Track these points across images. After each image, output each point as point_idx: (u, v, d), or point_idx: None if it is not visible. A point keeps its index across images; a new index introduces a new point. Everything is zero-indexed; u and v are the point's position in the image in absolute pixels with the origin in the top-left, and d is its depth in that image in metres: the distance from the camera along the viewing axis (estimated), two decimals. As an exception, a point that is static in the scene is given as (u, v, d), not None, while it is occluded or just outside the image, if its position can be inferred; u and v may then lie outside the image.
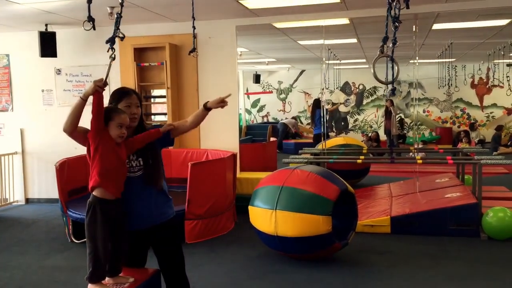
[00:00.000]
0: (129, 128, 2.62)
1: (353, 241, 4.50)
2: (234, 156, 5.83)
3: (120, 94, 2.67)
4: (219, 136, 6.64)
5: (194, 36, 3.03)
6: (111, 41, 2.50)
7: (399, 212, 5.34)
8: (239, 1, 5.55)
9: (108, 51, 2.53)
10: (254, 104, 16.85)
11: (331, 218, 4.13)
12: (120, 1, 2.43)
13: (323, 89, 7.94)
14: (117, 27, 2.45)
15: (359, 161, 6.12)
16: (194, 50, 3.17)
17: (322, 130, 10.15)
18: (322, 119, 10.26)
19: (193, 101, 6.67)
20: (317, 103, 10.49)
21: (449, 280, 3.89)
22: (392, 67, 2.14)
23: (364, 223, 5.23)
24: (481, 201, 5.10)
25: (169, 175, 6.30)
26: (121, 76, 6.84)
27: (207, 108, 2.78)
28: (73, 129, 2.52)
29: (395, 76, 2.12)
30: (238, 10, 6.00)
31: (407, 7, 1.99)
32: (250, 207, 4.57)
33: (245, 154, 7.09)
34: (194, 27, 2.94)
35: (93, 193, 2.56)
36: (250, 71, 15.48)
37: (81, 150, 6.28)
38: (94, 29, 2.66)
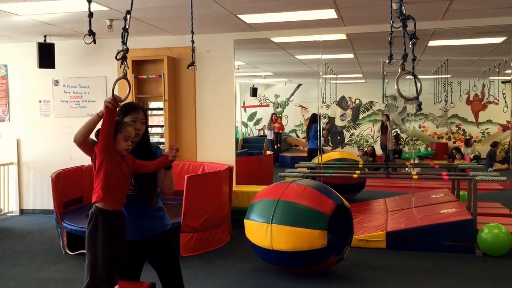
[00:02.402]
0: (131, 143, 2.64)
1: (348, 256, 4.50)
2: (230, 169, 5.84)
3: (127, 108, 2.70)
4: (216, 149, 6.65)
5: (193, 50, 3.06)
6: (122, 58, 2.51)
7: (394, 228, 5.35)
8: (238, 15, 5.61)
9: (121, 67, 2.53)
10: (250, 117, 16.89)
11: (327, 232, 4.13)
12: (124, 16, 2.45)
13: (323, 103, 7.96)
14: (122, 42, 2.46)
15: (355, 175, 6.14)
16: (192, 64, 3.20)
17: (317, 145, 10.21)
18: (318, 134, 10.32)
19: (190, 114, 6.70)
20: (314, 118, 10.55)
21: (444, 296, 3.89)
22: (416, 83, 2.19)
23: (359, 238, 5.22)
24: (476, 217, 5.11)
25: (165, 187, 6.33)
26: (119, 88, 6.84)
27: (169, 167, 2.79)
28: (82, 141, 2.54)
29: (418, 91, 2.16)
30: (236, 25, 6.05)
31: (405, 27, 2.03)
32: (245, 221, 4.57)
33: (241, 167, 7.10)
34: (193, 41, 2.97)
35: (96, 204, 2.56)
36: (247, 84, 15.55)
37: (77, 161, 6.32)
38: (95, 42, 2.67)
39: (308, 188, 4.34)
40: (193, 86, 6.68)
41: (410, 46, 2.12)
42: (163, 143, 6.67)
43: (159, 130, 6.91)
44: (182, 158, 6.60)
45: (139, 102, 6.78)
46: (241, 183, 6.77)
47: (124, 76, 2.59)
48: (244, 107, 16.67)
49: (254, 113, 16.83)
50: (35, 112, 7.29)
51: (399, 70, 2.20)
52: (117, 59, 2.54)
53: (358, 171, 6.39)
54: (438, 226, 5.13)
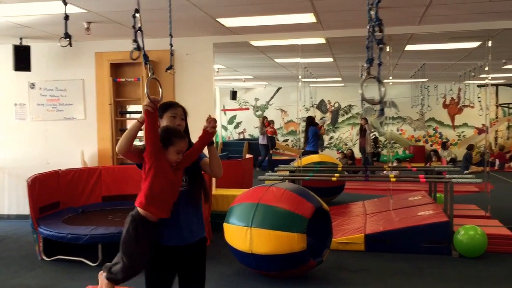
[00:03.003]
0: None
1: (327, 258, 4.52)
2: (210, 172, 5.81)
3: (165, 105, 2.64)
4: (195, 153, 6.61)
5: (171, 54, 3.04)
6: (145, 59, 2.46)
7: (373, 230, 5.39)
8: (217, 19, 5.60)
9: (145, 67, 2.49)
10: (230, 121, 16.88)
11: (306, 235, 4.15)
12: (133, 14, 2.36)
13: (302, 106, 8.00)
14: (133, 40, 2.41)
15: (334, 179, 6.18)
16: (171, 67, 3.18)
17: (314, 148, 10.29)
18: (315, 137, 10.42)
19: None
20: (310, 121, 10.62)
21: (422, 297, 3.94)
22: (379, 88, 2.20)
23: (338, 241, 5.26)
24: (452, 219, 5.19)
25: (144, 191, 6.28)
26: (96, 91, 6.79)
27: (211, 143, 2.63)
28: (127, 150, 2.45)
29: (382, 96, 2.17)
30: (215, 28, 6.05)
31: (381, 31, 2.05)
32: (225, 224, 4.55)
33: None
34: (171, 45, 2.96)
35: (138, 209, 2.46)
36: (227, 87, 15.55)
37: (53, 165, 6.19)
38: (71, 45, 2.63)
39: (287, 192, 4.35)
40: (172, 89, 6.65)
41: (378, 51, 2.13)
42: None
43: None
44: (161, 162, 6.55)
45: (118, 106, 6.72)
46: (220, 187, 6.76)
47: (153, 76, 2.51)
48: (224, 110, 16.66)
49: (234, 117, 16.83)
50: (11, 115, 7.15)
51: (365, 75, 2.21)
52: (133, 59, 2.47)
53: (337, 174, 6.44)
54: (415, 228, 5.20)
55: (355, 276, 4.48)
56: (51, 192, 5.57)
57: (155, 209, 2.42)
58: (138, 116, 6.74)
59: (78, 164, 6.63)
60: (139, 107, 6.62)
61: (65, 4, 2.71)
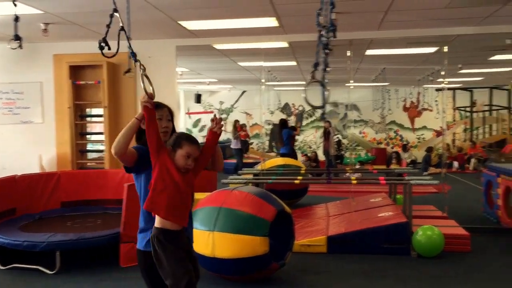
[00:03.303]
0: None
1: (290, 261, 4.55)
2: (172, 176, 5.75)
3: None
4: (158, 157, 6.54)
5: (129, 57, 3.00)
6: (133, 55, 2.47)
7: (335, 232, 5.46)
8: (179, 22, 5.57)
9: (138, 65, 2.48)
10: (195, 124, 16.78)
11: (268, 238, 4.16)
12: (111, 14, 2.31)
13: (267, 109, 8.03)
14: (103, 38, 2.35)
15: (297, 181, 6.22)
16: (129, 70, 3.14)
17: (289, 150, 10.38)
18: (289, 139, 10.52)
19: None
20: (283, 123, 10.70)
21: (382, 297, 4.01)
22: (323, 93, 2.22)
23: (301, 243, 5.29)
24: (411, 220, 5.32)
25: (106, 196, 6.16)
26: (55, 94, 6.63)
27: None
28: (124, 151, 2.36)
29: (325, 101, 2.20)
30: (177, 31, 6.01)
31: (334, 37, 2.08)
32: (187, 229, 4.51)
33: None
34: (130, 47, 2.91)
35: (154, 225, 2.37)
36: (191, 91, 15.45)
37: (10, 171, 5.98)
38: (21, 47, 2.55)
39: (249, 195, 4.36)
40: (134, 92, 6.56)
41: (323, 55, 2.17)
42: (102, 150, 6.50)
43: (99, 137, 6.72)
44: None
45: (77, 109, 6.57)
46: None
47: (145, 73, 2.48)
48: (189, 113, 16.55)
49: (199, 120, 16.74)
50: (-36, 119, 6.89)
51: (310, 78, 2.26)
52: (135, 60, 2.49)
53: (300, 177, 6.49)
54: (376, 229, 5.30)
55: (317, 278, 4.53)
56: (6, 198, 5.38)
57: (162, 211, 2.32)
58: (99, 119, 6.62)
59: (35, 169, 6.43)
60: (100, 111, 6.49)
61: (15, 5, 2.63)
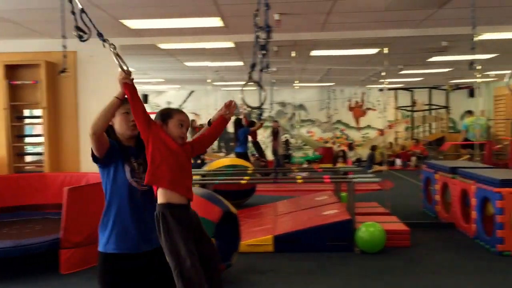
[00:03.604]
0: (131, 138, 2.41)
1: (237, 261, 4.54)
2: (116, 179, 5.61)
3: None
4: (101, 159, 6.35)
5: (65, 56, 2.90)
6: (100, 35, 2.41)
7: (281, 231, 5.51)
8: (121, 21, 5.44)
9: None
10: (142, 124, 16.46)
11: (214, 239, 4.13)
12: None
13: (215, 109, 7.99)
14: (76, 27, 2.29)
15: (243, 181, 6.23)
16: (64, 70, 3.03)
17: (244, 149, 10.36)
18: (246, 138, 10.51)
19: (72, 122, 6.34)
20: (239, 122, 10.64)
21: (326, 294, 4.08)
22: (260, 93, 2.24)
23: (248, 243, 5.30)
24: (354, 217, 5.45)
25: (45, 201, 5.93)
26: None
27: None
28: (102, 132, 2.24)
29: (262, 101, 2.23)
30: (120, 30, 5.87)
31: (270, 38, 2.10)
32: (131, 233, 4.41)
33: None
34: (64, 46, 2.82)
35: (158, 202, 2.25)
36: (138, 91, 15.14)
37: None
38: None
39: (194, 196, 4.30)
40: (75, 93, 6.34)
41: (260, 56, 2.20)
42: (41, 153, 6.25)
43: (38, 139, 6.45)
44: (63, 169, 6.23)
45: (14, 110, 6.28)
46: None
47: (115, 51, 2.40)
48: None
49: (146, 120, 16.43)
50: None
51: (247, 79, 2.28)
52: (103, 40, 2.39)
53: (246, 177, 6.51)
54: (321, 227, 5.39)
55: (263, 278, 4.55)
56: None
57: (159, 177, 2.23)
58: (37, 120, 6.36)
59: (-31, 174, 6.11)
60: (38, 112, 6.23)
61: None
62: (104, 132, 2.33)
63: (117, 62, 2.30)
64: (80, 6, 2.29)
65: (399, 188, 9.63)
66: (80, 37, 2.41)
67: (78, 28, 2.39)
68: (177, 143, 2.28)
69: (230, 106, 2.39)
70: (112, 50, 2.37)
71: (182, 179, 2.29)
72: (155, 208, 2.36)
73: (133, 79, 2.27)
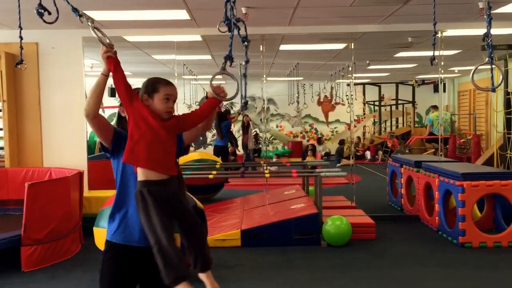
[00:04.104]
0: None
1: (203, 256, 4.51)
2: (80, 174, 5.50)
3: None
4: (65, 154, 6.20)
5: (21, 47, 2.80)
6: (75, 11, 2.35)
7: (248, 225, 5.51)
8: (85, 11, 5.29)
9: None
10: (110, 119, 16.16)
11: (179, 235, 4.09)
12: None
13: (183, 103, 7.91)
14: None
15: (211, 176, 6.20)
16: (21, 62, 2.92)
17: (225, 143, 10.43)
18: (228, 132, 10.61)
19: (34, 116, 6.16)
20: (222, 115, 10.64)
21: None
22: (239, 86, 2.23)
23: (215, 238, 5.29)
24: (321, 211, 5.50)
25: (6, 196, 5.76)
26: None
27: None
28: (96, 112, 2.16)
29: (243, 92, 2.23)
30: (84, 21, 5.71)
31: (230, 31, 2.08)
32: (95, 228, 4.34)
33: (96, 171, 6.71)
34: (21, 37, 2.72)
35: (138, 177, 2.15)
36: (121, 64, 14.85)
37: None
38: None
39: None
40: (37, 85, 6.15)
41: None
42: (2, 148, 6.06)
43: (-2, 133, 6.26)
44: (25, 164, 6.06)
45: (-28, 103, 6.06)
46: (94, 188, 6.42)
47: (93, 25, 2.29)
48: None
49: (114, 114, 16.15)
50: None
51: (220, 70, 2.25)
52: (79, 15, 2.30)
53: (214, 172, 6.47)
54: (288, 221, 5.41)
55: (230, 272, 4.54)
56: None
57: (143, 160, 2.12)
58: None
59: None
60: (-2, 105, 6.04)
61: None
62: (103, 118, 2.29)
63: (96, 37, 2.23)
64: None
65: (366, 182, 9.77)
66: (41, 15, 2.30)
67: (41, 6, 2.29)
68: (161, 118, 2.19)
69: (218, 89, 2.28)
70: (90, 24, 2.29)
71: (163, 157, 2.19)
72: None
73: (115, 52, 2.21)
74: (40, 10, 2.29)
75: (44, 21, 2.34)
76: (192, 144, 15.50)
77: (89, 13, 5.33)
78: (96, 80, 2.21)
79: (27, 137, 6.18)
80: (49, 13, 2.33)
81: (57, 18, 2.41)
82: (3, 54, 5.86)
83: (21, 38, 2.73)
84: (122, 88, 2.15)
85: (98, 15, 5.49)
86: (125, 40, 6.98)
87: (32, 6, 3.06)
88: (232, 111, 14.97)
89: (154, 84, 2.22)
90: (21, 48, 2.80)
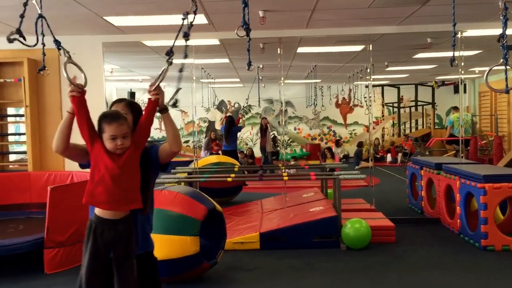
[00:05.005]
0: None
1: (222, 259, 4.54)
2: (101, 178, 5.57)
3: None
4: (86, 157, 6.29)
5: (44, 54, 2.86)
6: (56, 43, 2.41)
7: (267, 228, 5.51)
8: (104, 17, 5.38)
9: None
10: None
11: (199, 238, 4.13)
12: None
13: (201, 107, 7.93)
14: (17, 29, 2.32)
15: (229, 179, 6.22)
16: (44, 68, 2.99)
17: (233, 147, 10.59)
18: (236, 136, 10.81)
19: (56, 121, 6.24)
20: (231, 121, 10.81)
21: (311, 291, 4.10)
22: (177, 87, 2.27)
23: (234, 241, 5.30)
24: (340, 214, 5.47)
25: (29, 200, 5.87)
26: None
27: (162, 109, 2.41)
28: (64, 147, 2.24)
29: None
30: (104, 26, 5.81)
31: (247, 35, 2.10)
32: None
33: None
34: (43, 44, 2.78)
35: (94, 212, 2.26)
36: (124, 88, 15.02)
37: None
38: None
39: (179, 195, 4.30)
40: (58, 90, 6.26)
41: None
42: (25, 152, 6.17)
43: (21, 138, 6.38)
44: (47, 168, 6.16)
45: (-4, 108, 6.20)
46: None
47: (70, 60, 2.33)
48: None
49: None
50: None
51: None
52: (59, 48, 2.37)
53: (232, 175, 6.49)
54: (307, 224, 5.40)
55: (249, 275, 4.55)
56: None
57: (99, 200, 2.21)
58: (21, 119, 6.27)
59: (-50, 173, 6.02)
60: (21, 110, 6.16)
61: None
62: (74, 147, 2.33)
63: (65, 73, 2.24)
64: (39, 11, 2.26)
65: (386, 185, 9.69)
66: (10, 41, 2.35)
67: (18, 31, 2.35)
68: (113, 156, 2.24)
69: (151, 86, 2.34)
70: (66, 59, 2.35)
71: (120, 196, 2.24)
72: (136, 212, 2.37)
73: (84, 91, 2.24)
74: (10, 38, 2.33)
75: (23, 43, 2.39)
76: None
77: (109, 19, 5.45)
78: (63, 119, 2.28)
79: (49, 141, 6.27)
80: (24, 39, 2.37)
81: (37, 41, 2.43)
82: (25, 60, 5.98)
83: (43, 44, 2.79)
84: (84, 129, 2.21)
85: (117, 20, 5.57)
86: (144, 45, 7.07)
87: (51, 13, 3.13)
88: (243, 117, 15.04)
89: (100, 123, 2.26)
90: (44, 54, 2.86)
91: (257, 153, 13.78)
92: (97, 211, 2.27)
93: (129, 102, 2.50)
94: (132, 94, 14.78)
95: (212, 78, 12.00)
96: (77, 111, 2.21)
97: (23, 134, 6.17)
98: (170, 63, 2.21)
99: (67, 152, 2.32)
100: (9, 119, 6.51)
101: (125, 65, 9.87)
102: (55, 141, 2.26)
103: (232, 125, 10.79)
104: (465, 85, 14.34)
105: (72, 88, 2.20)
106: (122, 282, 2.30)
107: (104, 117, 2.25)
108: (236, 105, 16.42)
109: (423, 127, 15.69)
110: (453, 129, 11.62)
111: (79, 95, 2.21)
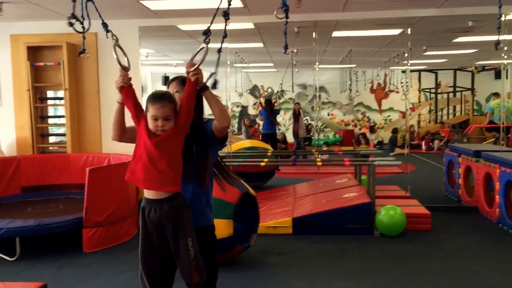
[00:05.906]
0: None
1: (255, 243, 4.57)
2: (136, 160, 5.67)
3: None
4: (122, 140, 6.41)
5: (84, 37, 2.91)
6: (105, 26, 2.43)
7: (300, 213, 5.51)
8: (141, 2, 5.42)
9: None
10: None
11: (233, 221, 4.16)
12: None
13: (235, 91, 7.95)
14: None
15: (262, 164, 6.23)
16: (84, 51, 3.04)
17: (273, 130, 11.22)
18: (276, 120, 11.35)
19: (94, 104, 6.40)
20: (271, 103, 11.42)
21: (342, 276, 4.07)
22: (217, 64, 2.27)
23: (267, 225, 5.32)
24: (374, 200, 5.41)
25: (68, 181, 6.04)
26: (13, 76, 6.39)
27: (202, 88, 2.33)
28: (120, 135, 2.34)
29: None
30: (140, 11, 5.86)
31: (287, 17, 2.07)
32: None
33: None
34: (83, 27, 2.81)
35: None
36: (159, 73, 15.19)
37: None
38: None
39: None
40: (96, 74, 6.38)
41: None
42: (64, 134, 6.34)
43: (60, 120, 6.55)
44: (85, 150, 6.32)
45: (37, 91, 6.36)
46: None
47: (117, 43, 2.39)
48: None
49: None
50: None
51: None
52: (107, 31, 2.39)
53: (266, 159, 6.50)
54: (340, 210, 5.36)
55: (281, 259, 4.57)
56: None
57: (137, 177, 2.23)
58: (60, 102, 6.42)
59: (-6, 154, 6.25)
60: (60, 93, 6.31)
61: None
62: (130, 131, 2.36)
63: (115, 56, 2.27)
64: None
65: (421, 172, 9.51)
66: (70, 24, 2.41)
67: (73, 16, 2.38)
68: (151, 135, 2.23)
69: (190, 66, 2.29)
70: (113, 42, 2.39)
71: (156, 176, 2.22)
72: (195, 186, 2.38)
73: (130, 78, 2.29)
74: (71, 21, 2.39)
75: (75, 30, 2.44)
76: (242, 131, 15.58)
77: (146, 3, 5.49)
78: (115, 109, 2.33)
79: (87, 124, 6.43)
80: (81, 22, 2.41)
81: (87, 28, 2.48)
82: (64, 44, 6.11)
83: (83, 28, 2.82)
84: (132, 112, 2.26)
85: (154, 4, 5.60)
86: (179, 29, 7.10)
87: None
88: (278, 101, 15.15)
89: (147, 102, 2.26)
90: (84, 38, 2.90)
91: (290, 138, 13.75)
92: (144, 191, 2.31)
93: (183, 79, 2.45)
94: (166, 79, 14.93)
95: (245, 63, 11.98)
96: (126, 98, 2.27)
97: (63, 116, 6.33)
98: (207, 43, 2.19)
99: (124, 138, 2.37)
100: (49, 102, 6.68)
101: (160, 49, 9.96)
102: (112, 131, 2.34)
103: (273, 107, 11.04)
104: (507, 70, 13.82)
105: (119, 80, 2.26)
106: (179, 261, 2.30)
107: (151, 97, 2.27)
108: (269, 90, 16.37)
109: (461, 113, 15.28)
110: (493, 116, 11.24)
111: (127, 85, 2.26)
